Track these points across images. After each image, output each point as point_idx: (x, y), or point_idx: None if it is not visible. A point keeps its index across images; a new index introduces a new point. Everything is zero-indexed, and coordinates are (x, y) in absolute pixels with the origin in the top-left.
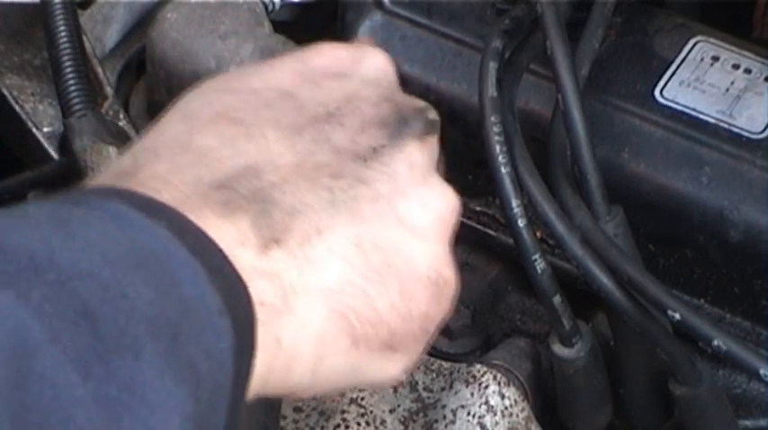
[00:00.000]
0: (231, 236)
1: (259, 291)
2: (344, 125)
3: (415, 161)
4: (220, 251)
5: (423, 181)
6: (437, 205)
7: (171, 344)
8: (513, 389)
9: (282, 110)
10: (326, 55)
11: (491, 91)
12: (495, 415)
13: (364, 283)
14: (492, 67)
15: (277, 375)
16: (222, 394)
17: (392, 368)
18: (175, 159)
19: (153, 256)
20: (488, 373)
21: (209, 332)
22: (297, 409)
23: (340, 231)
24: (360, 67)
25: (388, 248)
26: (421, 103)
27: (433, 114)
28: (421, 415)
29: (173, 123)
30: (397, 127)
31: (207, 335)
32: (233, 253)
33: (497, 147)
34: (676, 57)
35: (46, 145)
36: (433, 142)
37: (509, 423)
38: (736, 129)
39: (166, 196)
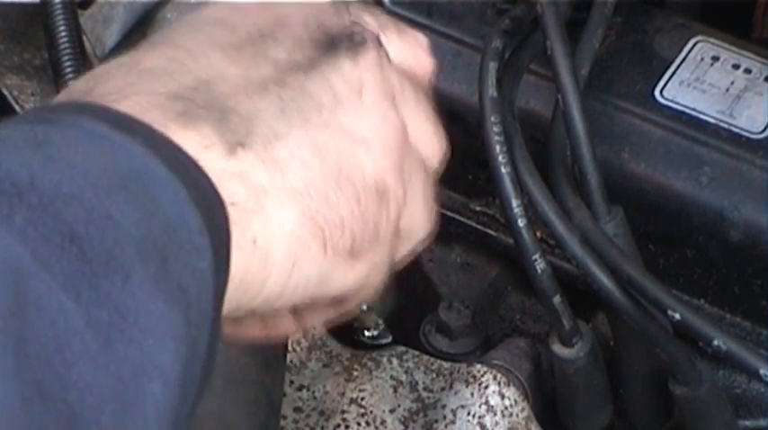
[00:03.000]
0: (196, 142)
1: (231, 192)
2: (278, 42)
3: (350, 77)
4: (195, 164)
5: (358, 97)
6: (376, 120)
7: (160, 266)
8: (513, 389)
9: (218, 33)
10: None
11: (491, 91)
12: (495, 415)
13: (325, 187)
14: (492, 67)
15: (255, 281)
16: (207, 315)
17: (354, 276)
18: (127, 78)
19: (134, 176)
20: (488, 373)
21: (192, 252)
22: (297, 409)
23: (296, 137)
24: None
25: (338, 155)
26: (349, 25)
27: (361, 35)
28: (421, 415)
29: (116, 57)
30: (327, 47)
31: (191, 256)
32: (201, 158)
33: (497, 147)
34: (676, 57)
35: None
36: (369, 59)
37: (509, 423)
38: (736, 129)
39: (125, 109)
